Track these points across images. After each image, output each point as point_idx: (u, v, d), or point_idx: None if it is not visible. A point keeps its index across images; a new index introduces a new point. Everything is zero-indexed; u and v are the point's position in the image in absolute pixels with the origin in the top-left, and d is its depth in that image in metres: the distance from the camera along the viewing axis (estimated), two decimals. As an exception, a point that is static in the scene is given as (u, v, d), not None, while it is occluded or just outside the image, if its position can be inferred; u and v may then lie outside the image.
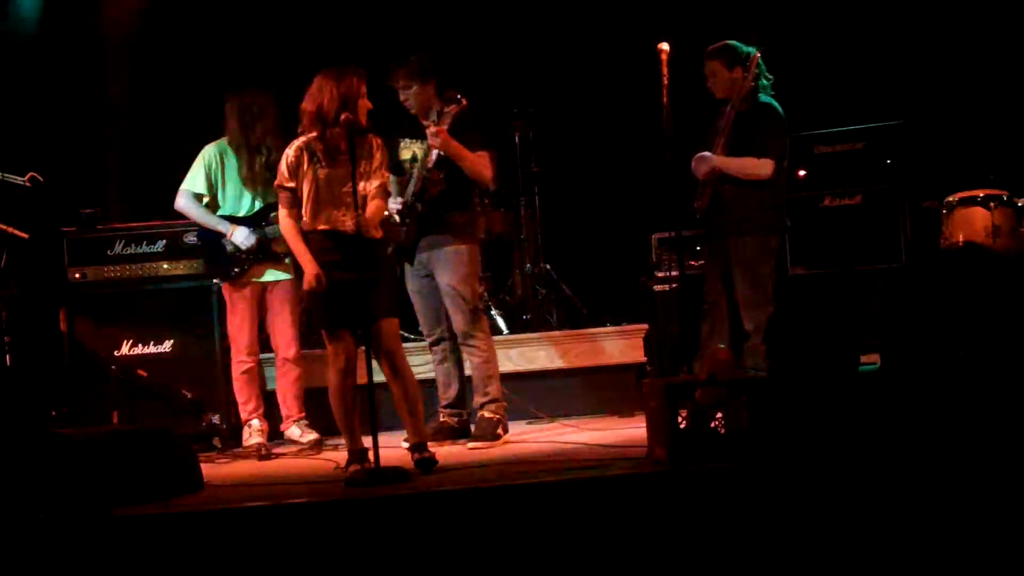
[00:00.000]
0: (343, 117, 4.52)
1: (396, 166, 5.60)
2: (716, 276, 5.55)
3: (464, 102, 5.40)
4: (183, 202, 5.84)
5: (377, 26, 7.34)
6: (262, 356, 6.02)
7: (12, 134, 6.35)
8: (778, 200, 5.47)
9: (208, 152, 5.85)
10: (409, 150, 5.58)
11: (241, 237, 5.74)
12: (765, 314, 5.38)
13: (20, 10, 6.85)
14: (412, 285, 5.67)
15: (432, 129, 5.30)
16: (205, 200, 5.84)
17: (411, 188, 5.47)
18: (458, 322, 5.51)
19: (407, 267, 5.65)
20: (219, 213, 5.84)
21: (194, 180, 5.83)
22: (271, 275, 5.82)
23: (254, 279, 5.80)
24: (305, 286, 4.60)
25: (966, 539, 3.70)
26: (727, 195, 5.44)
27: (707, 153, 5.43)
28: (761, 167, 5.36)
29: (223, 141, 5.86)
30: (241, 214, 5.81)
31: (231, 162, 5.83)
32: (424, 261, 5.56)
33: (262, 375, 6.09)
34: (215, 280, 5.86)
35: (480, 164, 5.45)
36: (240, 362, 5.81)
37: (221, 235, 5.78)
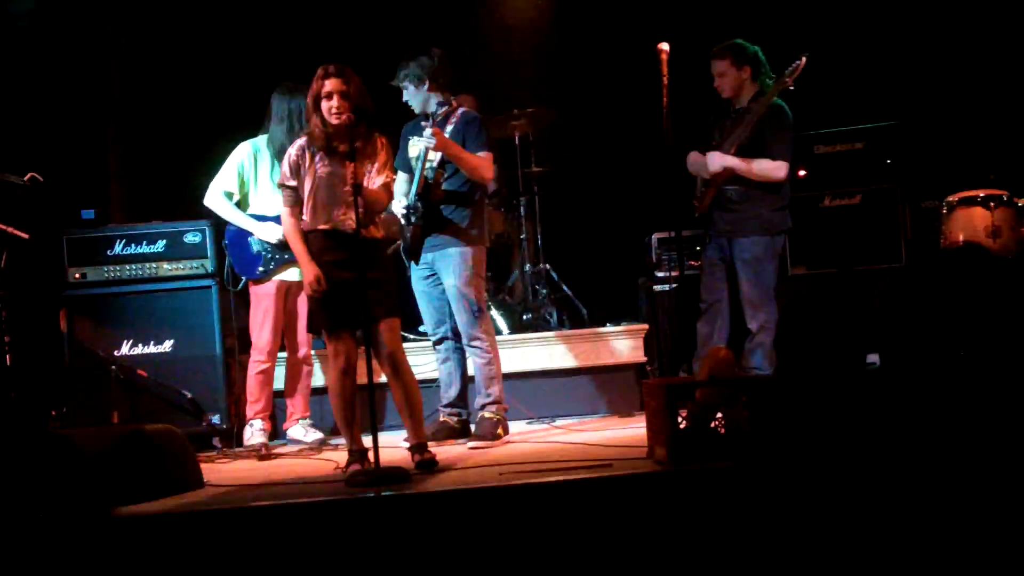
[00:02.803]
0: (337, 119, 4.52)
1: (406, 163, 5.62)
2: (716, 276, 5.54)
3: (454, 104, 5.43)
4: (213, 199, 5.85)
5: (380, 25, 7.34)
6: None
7: (12, 134, 6.35)
8: (783, 201, 5.48)
9: (242, 151, 5.86)
10: (416, 147, 5.59)
11: (268, 235, 5.76)
12: (769, 314, 5.39)
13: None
14: (417, 284, 5.69)
15: (428, 131, 5.31)
16: (235, 198, 5.85)
17: (414, 187, 5.48)
18: (463, 323, 5.52)
19: (413, 266, 5.66)
20: (248, 212, 5.85)
21: (225, 178, 5.85)
22: (296, 274, 5.83)
23: (279, 277, 5.82)
24: (305, 289, 4.61)
25: (966, 538, 3.70)
26: (734, 195, 5.43)
27: (718, 152, 5.42)
28: (778, 169, 5.37)
29: (258, 140, 5.87)
30: (270, 213, 5.82)
31: (265, 161, 5.84)
32: (429, 261, 5.58)
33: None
34: (243, 277, 5.87)
35: (480, 165, 5.46)
36: (257, 362, 5.82)
37: (249, 233, 5.80)
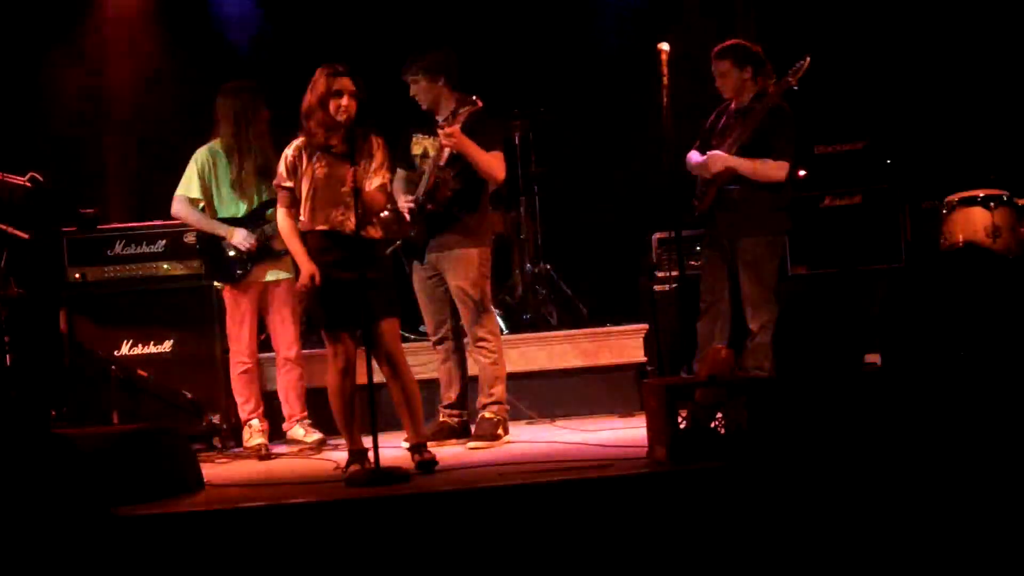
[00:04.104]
0: (344, 118, 4.53)
1: (408, 161, 5.60)
2: (717, 276, 5.54)
3: (479, 104, 5.39)
4: (179, 208, 5.82)
5: (381, 24, 7.34)
6: (262, 356, 6.02)
7: (12, 134, 6.34)
8: (785, 201, 5.48)
9: (200, 156, 5.82)
10: (420, 145, 5.56)
11: (240, 238, 5.73)
12: (770, 314, 5.38)
13: None
14: (419, 284, 5.67)
15: (446, 129, 5.26)
16: (201, 204, 5.82)
17: (422, 186, 5.45)
18: (469, 324, 5.51)
19: (415, 265, 5.64)
20: (217, 216, 5.83)
21: (188, 185, 5.80)
22: (272, 275, 5.81)
23: (256, 280, 5.80)
24: (299, 285, 4.62)
25: (965, 538, 3.70)
26: (736, 195, 5.43)
27: (719, 152, 5.41)
28: (779, 170, 5.36)
29: (214, 144, 5.83)
30: (240, 215, 5.80)
31: (223, 165, 5.81)
32: (433, 261, 5.56)
33: (262, 375, 6.08)
34: (216, 284, 5.86)
35: (493, 164, 5.44)
36: (239, 363, 5.80)
37: (221, 238, 5.78)
